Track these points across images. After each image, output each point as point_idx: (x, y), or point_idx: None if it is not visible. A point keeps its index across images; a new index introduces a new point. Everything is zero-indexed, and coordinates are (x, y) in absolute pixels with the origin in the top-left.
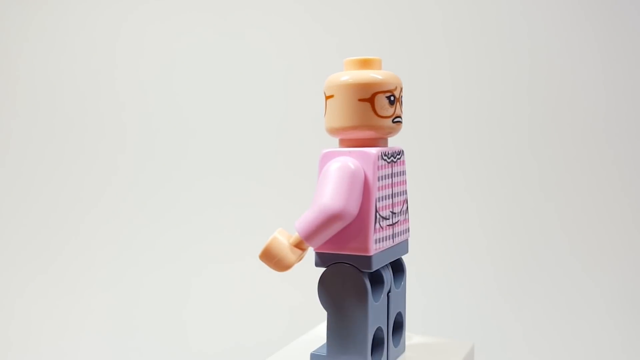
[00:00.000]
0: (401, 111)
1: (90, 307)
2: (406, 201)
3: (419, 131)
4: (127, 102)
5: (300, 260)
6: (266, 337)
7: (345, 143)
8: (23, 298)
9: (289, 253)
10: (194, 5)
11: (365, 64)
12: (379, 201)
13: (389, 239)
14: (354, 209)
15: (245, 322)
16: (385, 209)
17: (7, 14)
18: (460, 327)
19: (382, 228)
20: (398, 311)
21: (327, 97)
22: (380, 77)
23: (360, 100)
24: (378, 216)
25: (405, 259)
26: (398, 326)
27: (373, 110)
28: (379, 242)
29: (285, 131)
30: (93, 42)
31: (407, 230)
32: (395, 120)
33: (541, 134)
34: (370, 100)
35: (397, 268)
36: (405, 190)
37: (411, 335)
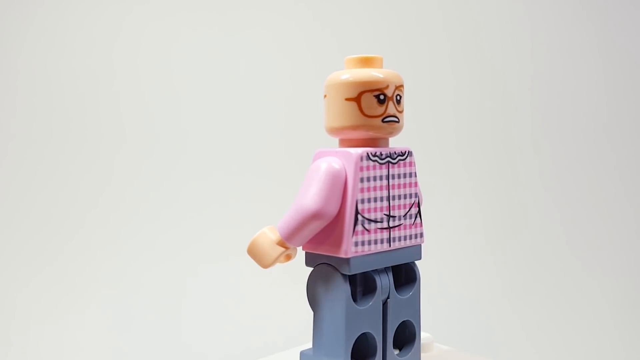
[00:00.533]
0: (397, 110)
1: (90, 307)
2: (415, 204)
3: (423, 132)
4: (126, 102)
5: (289, 259)
6: (271, 339)
7: (345, 143)
8: (21, 298)
9: (269, 250)
10: (194, 3)
11: (365, 62)
12: (362, 203)
13: (382, 242)
14: (332, 209)
15: (249, 323)
16: (375, 211)
17: (6, 13)
18: (463, 330)
19: (367, 230)
20: (403, 320)
21: (324, 97)
22: (367, 75)
23: (347, 99)
24: (360, 218)
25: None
26: (410, 336)
27: (359, 110)
28: (363, 244)
29: (287, 129)
30: (92, 41)
31: (418, 235)
32: (386, 119)
33: (544, 137)
34: (357, 99)
35: (408, 275)
36: (414, 193)
37: (439, 345)
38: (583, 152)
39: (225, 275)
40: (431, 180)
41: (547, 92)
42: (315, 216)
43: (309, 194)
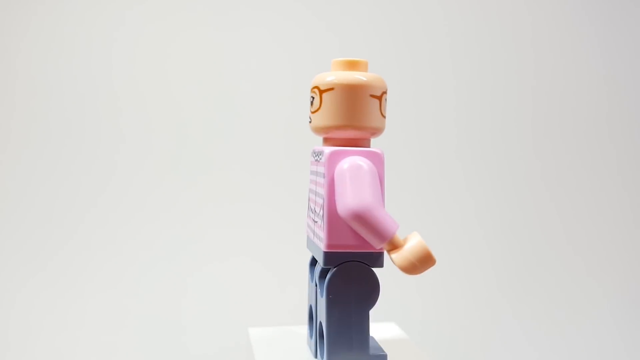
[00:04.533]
0: (310, 110)
1: (89, 306)
2: (322, 206)
3: (421, 130)
4: (125, 101)
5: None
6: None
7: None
8: (20, 297)
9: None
10: (194, 3)
11: (344, 65)
12: (309, 193)
13: (311, 231)
14: None
15: (251, 321)
16: (313, 202)
17: (5, 13)
18: (459, 328)
19: (309, 217)
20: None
21: None
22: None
23: None
24: (309, 204)
25: None
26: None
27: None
28: (308, 227)
29: (284, 128)
30: (91, 41)
31: (322, 238)
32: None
33: (544, 135)
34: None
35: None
36: (323, 195)
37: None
38: (584, 150)
39: (225, 275)
40: (429, 178)
41: (548, 91)
42: None
43: None
